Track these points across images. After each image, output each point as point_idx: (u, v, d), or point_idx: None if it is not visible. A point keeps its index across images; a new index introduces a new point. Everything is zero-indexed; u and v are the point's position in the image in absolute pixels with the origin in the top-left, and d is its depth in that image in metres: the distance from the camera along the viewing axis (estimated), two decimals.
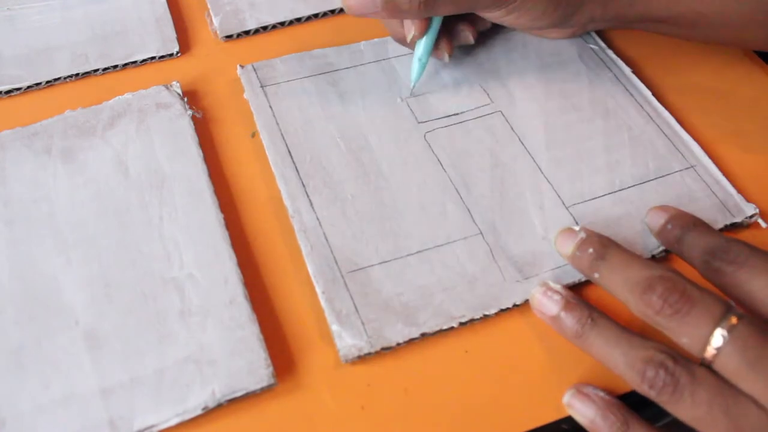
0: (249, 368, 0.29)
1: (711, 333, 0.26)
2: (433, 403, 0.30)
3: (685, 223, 0.32)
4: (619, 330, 0.29)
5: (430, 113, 0.39)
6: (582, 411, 0.29)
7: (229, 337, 0.30)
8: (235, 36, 0.43)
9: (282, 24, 0.44)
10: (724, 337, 0.26)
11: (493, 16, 0.38)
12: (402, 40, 0.39)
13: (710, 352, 0.26)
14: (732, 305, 0.27)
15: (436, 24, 0.37)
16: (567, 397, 0.29)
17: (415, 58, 0.38)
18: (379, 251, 0.33)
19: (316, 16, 0.44)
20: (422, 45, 0.38)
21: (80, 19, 0.43)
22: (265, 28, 0.43)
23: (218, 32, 0.43)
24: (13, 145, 0.36)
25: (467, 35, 0.40)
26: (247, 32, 0.43)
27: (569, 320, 0.30)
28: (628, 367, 0.27)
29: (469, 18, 0.40)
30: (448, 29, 0.39)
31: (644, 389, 0.27)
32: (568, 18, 0.39)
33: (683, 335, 0.27)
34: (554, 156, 0.37)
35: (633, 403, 0.29)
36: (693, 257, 0.31)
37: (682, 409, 0.26)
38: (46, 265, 0.32)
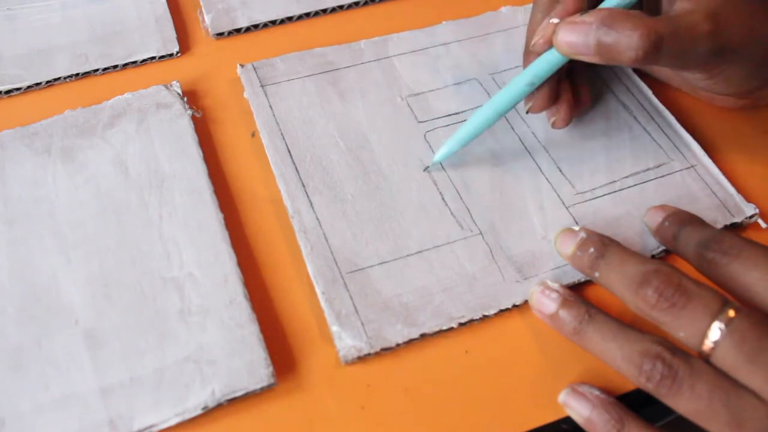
0: (249, 368, 0.29)
1: (708, 326, 0.26)
2: (433, 403, 0.30)
3: (681, 219, 0.32)
4: (617, 325, 0.29)
5: (431, 112, 0.39)
6: (578, 409, 0.29)
7: (229, 336, 0.30)
8: (226, 34, 0.43)
9: (273, 23, 0.43)
10: (721, 330, 0.26)
11: (693, 78, 0.35)
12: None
13: (708, 345, 0.26)
14: (729, 298, 0.27)
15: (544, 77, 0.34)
16: (563, 396, 0.29)
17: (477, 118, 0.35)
18: (378, 252, 0.33)
19: (308, 15, 0.44)
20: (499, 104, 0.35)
21: (80, 19, 0.43)
22: (256, 26, 0.43)
23: (209, 29, 0.42)
24: (13, 144, 0.36)
25: (586, 100, 0.38)
26: (238, 30, 0.43)
27: (567, 317, 0.30)
28: (625, 360, 0.27)
29: (588, 82, 0.37)
30: (571, 91, 0.36)
31: (642, 382, 0.27)
32: (759, 89, 0.36)
33: (680, 329, 0.27)
34: (554, 155, 0.37)
35: (631, 403, 0.29)
36: (688, 251, 0.31)
37: (681, 401, 0.26)
38: (46, 264, 0.32)
